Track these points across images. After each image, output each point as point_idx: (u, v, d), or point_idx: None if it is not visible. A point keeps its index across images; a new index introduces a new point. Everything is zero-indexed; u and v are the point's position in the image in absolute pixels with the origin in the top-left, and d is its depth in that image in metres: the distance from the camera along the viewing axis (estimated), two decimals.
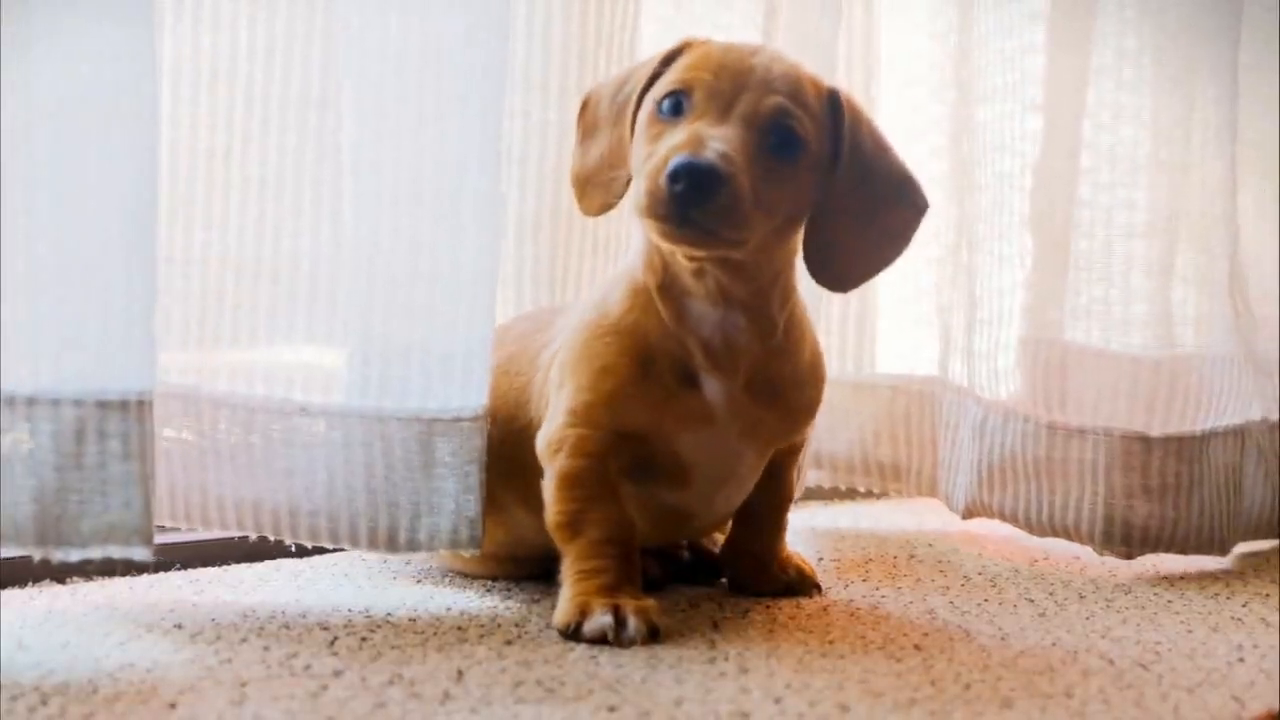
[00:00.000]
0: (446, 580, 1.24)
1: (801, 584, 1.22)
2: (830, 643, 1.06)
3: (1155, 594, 1.29)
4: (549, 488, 1.10)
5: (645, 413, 1.09)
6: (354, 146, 1.13)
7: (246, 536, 1.15)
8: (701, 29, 1.37)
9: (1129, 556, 1.40)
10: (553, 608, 1.08)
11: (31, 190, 0.95)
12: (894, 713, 0.89)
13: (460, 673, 0.95)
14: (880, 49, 1.58)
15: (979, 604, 1.21)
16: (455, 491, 1.13)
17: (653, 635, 1.04)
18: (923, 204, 1.14)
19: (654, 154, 1.02)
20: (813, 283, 1.13)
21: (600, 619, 1.03)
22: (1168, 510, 1.40)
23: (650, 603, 1.06)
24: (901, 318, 1.62)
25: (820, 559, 1.38)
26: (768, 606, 1.18)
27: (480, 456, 1.14)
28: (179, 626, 1.05)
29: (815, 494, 1.71)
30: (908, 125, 1.57)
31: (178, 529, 1.16)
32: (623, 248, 1.39)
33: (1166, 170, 1.48)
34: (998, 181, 1.48)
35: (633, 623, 1.03)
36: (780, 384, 1.12)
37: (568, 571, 1.08)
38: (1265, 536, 1.52)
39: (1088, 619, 1.17)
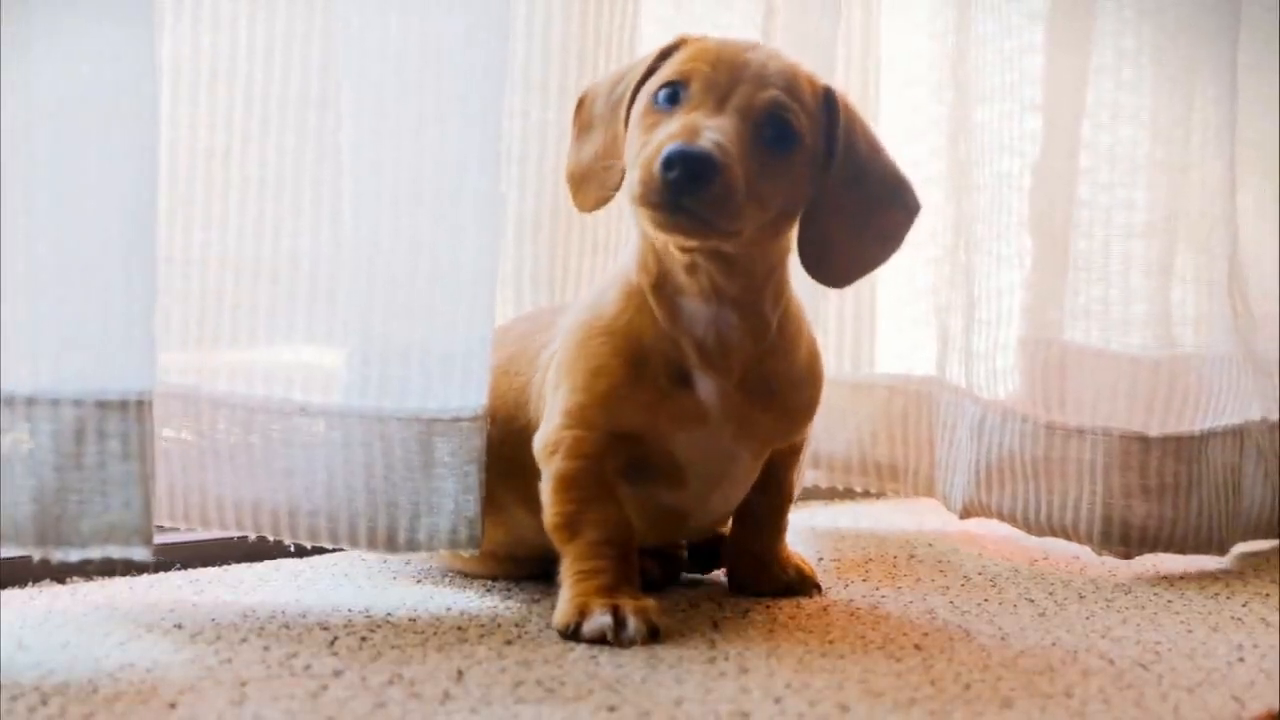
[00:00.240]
0: (446, 580, 1.24)
1: (801, 584, 1.22)
2: (830, 643, 1.06)
3: (1155, 594, 1.29)
4: (546, 489, 1.10)
5: (639, 413, 1.09)
6: (354, 146, 1.13)
7: (246, 536, 1.15)
8: (701, 29, 1.37)
9: (1128, 556, 1.40)
10: (552, 608, 1.08)
11: (31, 190, 0.95)
12: (894, 713, 0.89)
13: (460, 673, 0.95)
14: (879, 49, 1.58)
15: (979, 604, 1.21)
16: (455, 491, 1.13)
17: (652, 635, 1.04)
18: (915, 206, 1.14)
19: (649, 143, 1.02)
20: (810, 282, 1.13)
21: (599, 619, 1.03)
22: (1166, 510, 1.40)
23: (650, 603, 1.06)
24: (900, 318, 1.62)
25: (820, 559, 1.38)
26: (768, 606, 1.18)
27: (479, 456, 1.14)
28: (179, 626, 1.05)
29: (815, 494, 1.71)
30: (907, 125, 1.57)
31: (177, 529, 1.16)
32: (622, 248, 1.39)
33: (1166, 170, 1.48)
34: (996, 181, 1.48)
35: (632, 623, 1.03)
36: (776, 384, 1.12)
37: (566, 572, 1.08)
38: (1264, 536, 1.52)
39: (1088, 619, 1.17)
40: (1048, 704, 0.91)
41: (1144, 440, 1.40)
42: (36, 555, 0.96)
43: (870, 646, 1.05)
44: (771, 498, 1.21)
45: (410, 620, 1.09)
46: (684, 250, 1.06)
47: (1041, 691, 0.94)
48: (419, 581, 1.23)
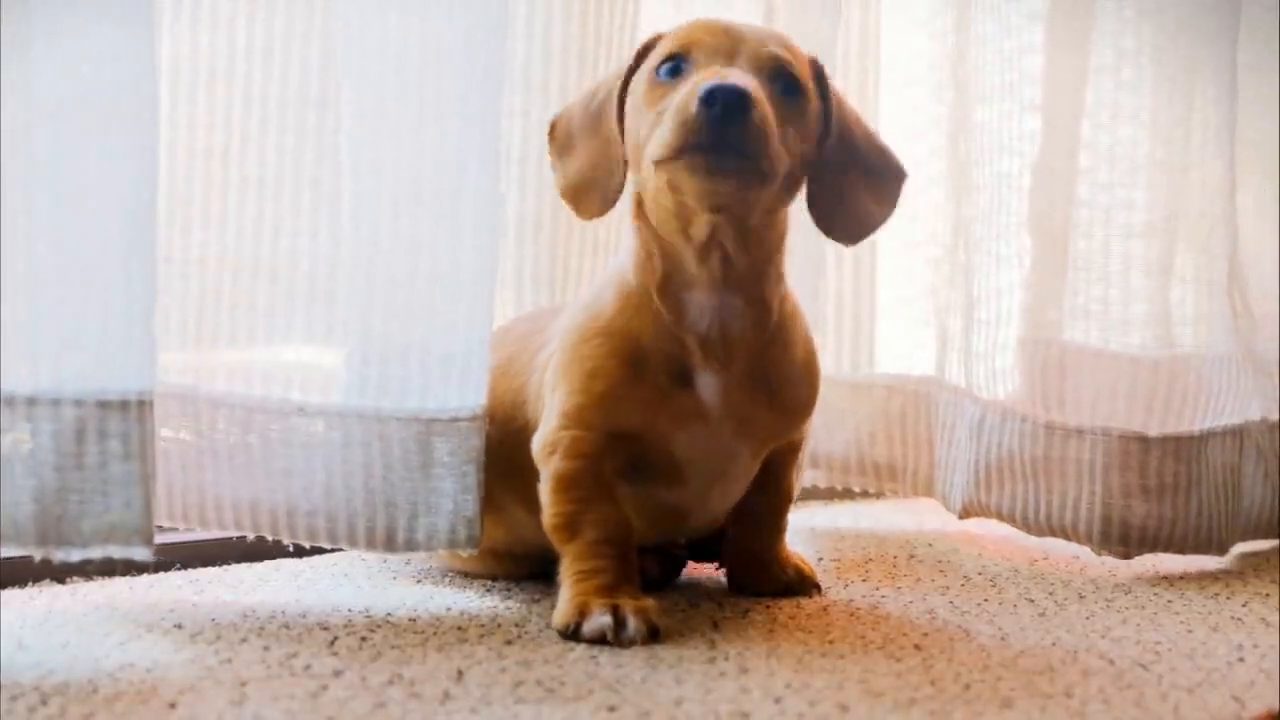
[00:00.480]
0: (446, 580, 1.24)
1: (801, 584, 1.22)
2: (830, 643, 1.06)
3: (1155, 594, 1.29)
4: (545, 489, 1.10)
5: (638, 413, 1.09)
6: (353, 146, 1.13)
7: (246, 536, 1.15)
8: None
9: (1127, 556, 1.40)
10: (552, 608, 1.08)
11: (31, 190, 0.95)
12: (894, 713, 0.89)
13: (460, 673, 0.95)
14: (879, 49, 1.58)
15: (979, 604, 1.21)
16: (453, 491, 1.13)
17: (652, 635, 1.04)
18: (903, 170, 1.16)
19: (669, 104, 1.02)
20: (808, 283, 1.13)
21: (599, 619, 1.03)
22: (1166, 510, 1.40)
23: (649, 602, 1.06)
24: (899, 318, 1.62)
25: (820, 559, 1.38)
26: (768, 606, 1.18)
27: (478, 456, 1.14)
28: (179, 626, 1.05)
29: (815, 494, 1.71)
30: (907, 125, 1.57)
31: (176, 529, 1.16)
32: (622, 247, 1.39)
33: (1165, 170, 1.48)
34: (996, 181, 1.48)
35: (632, 623, 1.03)
36: (775, 380, 1.12)
37: (566, 572, 1.08)
38: (1264, 536, 1.52)
39: (1088, 619, 1.17)
40: (1048, 704, 0.91)
41: (1143, 440, 1.40)
42: (37, 555, 0.96)
43: (870, 646, 1.05)
44: (771, 498, 1.21)
45: (410, 620, 1.09)
46: (714, 210, 1.05)
47: (1041, 691, 0.94)
48: (419, 581, 1.23)
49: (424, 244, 1.12)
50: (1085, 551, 1.44)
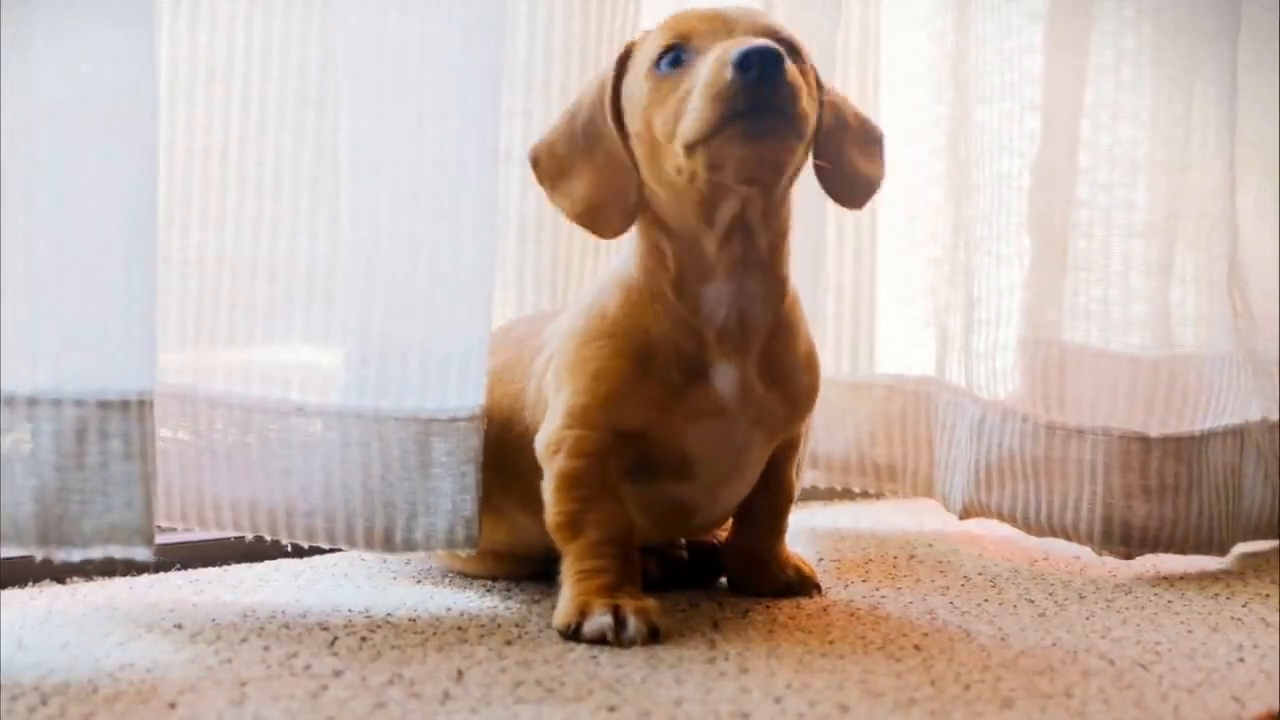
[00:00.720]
0: (446, 580, 1.24)
1: (801, 584, 1.22)
2: (830, 643, 1.06)
3: (1155, 594, 1.29)
4: (548, 488, 1.10)
5: (646, 411, 1.09)
6: (352, 146, 1.13)
7: (245, 536, 1.15)
8: None
9: (1128, 557, 1.40)
10: (553, 608, 1.08)
11: (31, 190, 0.95)
12: (894, 713, 0.89)
13: (460, 673, 0.95)
14: (879, 48, 1.58)
15: (979, 604, 1.21)
16: (452, 491, 1.13)
17: (653, 635, 1.04)
18: (882, 131, 1.18)
19: (691, 87, 1.01)
20: (809, 284, 1.13)
21: (600, 619, 1.03)
22: (1167, 510, 1.40)
23: (650, 603, 1.06)
24: (899, 318, 1.62)
25: (820, 559, 1.38)
26: (768, 606, 1.18)
27: (477, 456, 1.14)
28: (179, 626, 1.05)
29: (815, 494, 1.71)
30: (907, 125, 1.57)
31: (175, 529, 1.16)
32: (623, 247, 1.39)
33: (1166, 170, 1.47)
34: (997, 182, 1.48)
35: (633, 623, 1.03)
36: (782, 369, 1.13)
37: (567, 572, 1.08)
38: (1265, 537, 1.51)
39: (1088, 619, 1.17)
40: (1048, 704, 0.91)
41: (1144, 440, 1.40)
42: (38, 555, 0.96)
43: (870, 647, 1.05)
44: (771, 497, 1.21)
45: (410, 620, 1.09)
46: (751, 181, 1.04)
47: (1041, 692, 0.94)
48: (419, 581, 1.23)
49: (423, 244, 1.12)
50: (1085, 552, 1.44)
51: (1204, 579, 1.37)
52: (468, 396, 1.13)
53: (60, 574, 1.17)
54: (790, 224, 1.12)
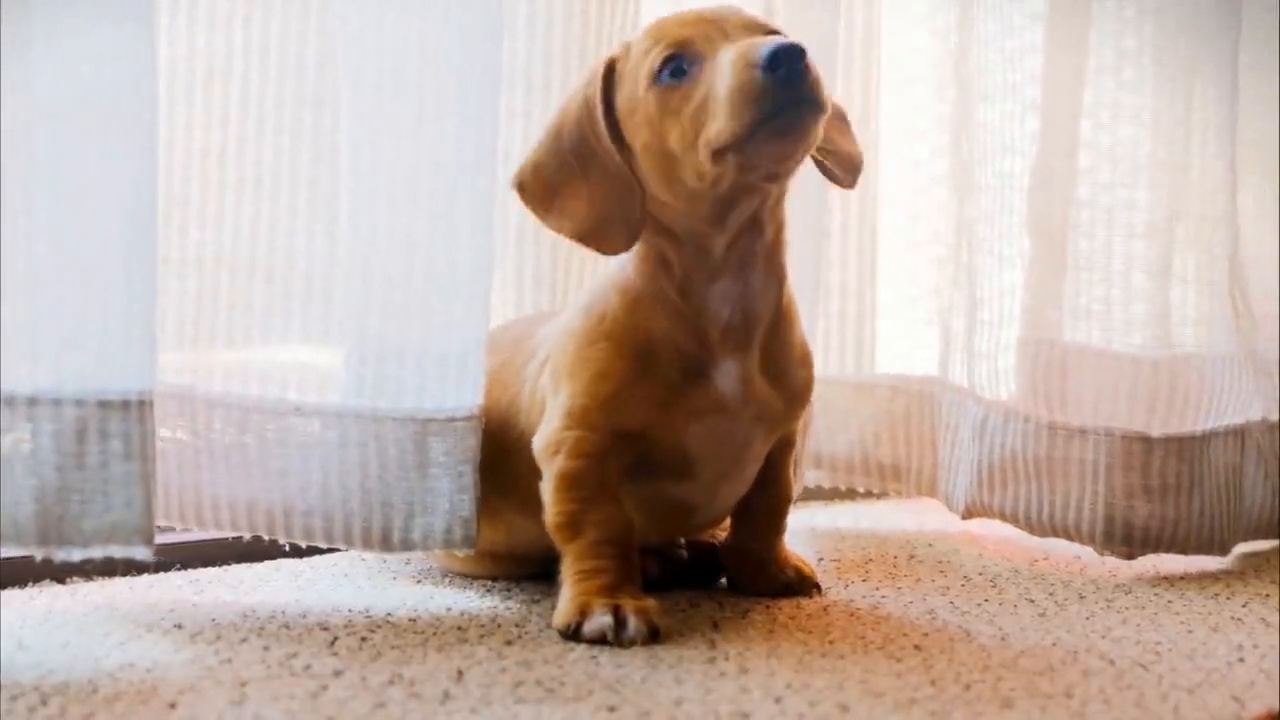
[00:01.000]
0: (446, 580, 1.24)
1: (801, 584, 1.22)
2: (830, 643, 1.06)
3: (1155, 594, 1.29)
4: (548, 489, 1.10)
5: (647, 411, 1.09)
6: (350, 146, 1.13)
7: (244, 536, 1.15)
8: None
9: (1129, 557, 1.40)
10: (553, 608, 1.08)
11: (31, 190, 0.95)
12: (894, 713, 0.89)
13: (460, 673, 0.95)
14: (880, 47, 1.58)
15: (979, 604, 1.21)
16: (449, 491, 1.13)
17: (653, 635, 1.04)
18: (845, 110, 1.19)
19: (709, 92, 1.01)
20: (809, 282, 1.13)
21: (600, 619, 1.03)
22: (1168, 510, 1.40)
23: (650, 603, 1.06)
24: (902, 318, 1.62)
25: (820, 559, 1.38)
26: (768, 606, 1.18)
27: (474, 456, 1.14)
28: (179, 626, 1.05)
29: (815, 494, 1.71)
30: (908, 124, 1.57)
31: (173, 529, 1.16)
32: None
33: (1166, 170, 1.47)
34: (999, 182, 1.48)
35: (633, 623, 1.03)
36: (781, 362, 1.13)
37: (567, 572, 1.08)
38: (1265, 537, 1.51)
39: (1088, 619, 1.17)
40: (1048, 704, 0.91)
41: (1146, 440, 1.40)
42: (38, 555, 0.96)
43: (870, 646, 1.05)
44: (769, 497, 1.21)
45: (410, 620, 1.09)
46: (777, 178, 1.06)
47: (1042, 692, 0.94)
48: (419, 581, 1.23)
49: (421, 244, 1.12)
50: (1085, 552, 1.44)
51: (1204, 579, 1.37)
52: (465, 396, 1.13)
53: (60, 574, 1.17)
54: (784, 210, 1.13)
